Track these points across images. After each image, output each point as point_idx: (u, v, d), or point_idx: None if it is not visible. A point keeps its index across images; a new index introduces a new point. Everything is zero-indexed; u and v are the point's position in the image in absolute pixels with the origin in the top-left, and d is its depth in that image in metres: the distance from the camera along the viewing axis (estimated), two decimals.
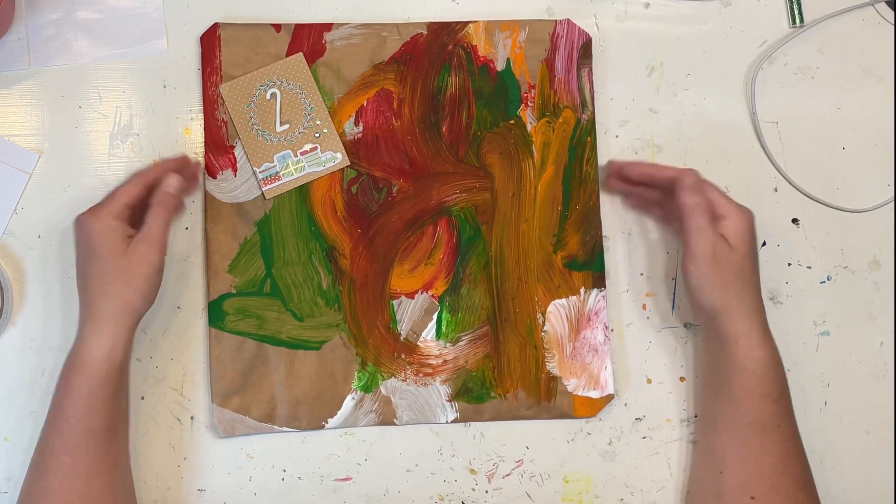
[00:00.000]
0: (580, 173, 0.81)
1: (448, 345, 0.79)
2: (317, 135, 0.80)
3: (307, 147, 0.80)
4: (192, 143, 0.80)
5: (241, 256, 0.79)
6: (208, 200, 0.79)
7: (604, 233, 0.81)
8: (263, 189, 0.79)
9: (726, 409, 0.74)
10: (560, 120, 0.82)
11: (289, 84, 0.80)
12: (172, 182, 0.73)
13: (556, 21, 0.83)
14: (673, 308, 0.82)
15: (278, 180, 0.79)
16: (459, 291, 0.80)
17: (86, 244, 0.72)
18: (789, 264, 0.83)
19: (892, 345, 0.82)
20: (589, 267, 0.81)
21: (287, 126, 0.80)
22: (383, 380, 0.79)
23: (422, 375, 0.79)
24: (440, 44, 0.82)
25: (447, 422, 0.79)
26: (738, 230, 0.73)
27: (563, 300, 0.80)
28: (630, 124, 0.83)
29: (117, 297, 0.70)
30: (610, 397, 0.80)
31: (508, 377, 0.79)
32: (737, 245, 0.73)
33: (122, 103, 0.80)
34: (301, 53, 0.80)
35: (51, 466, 0.69)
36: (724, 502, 0.73)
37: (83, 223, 0.72)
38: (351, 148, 0.80)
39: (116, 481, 0.71)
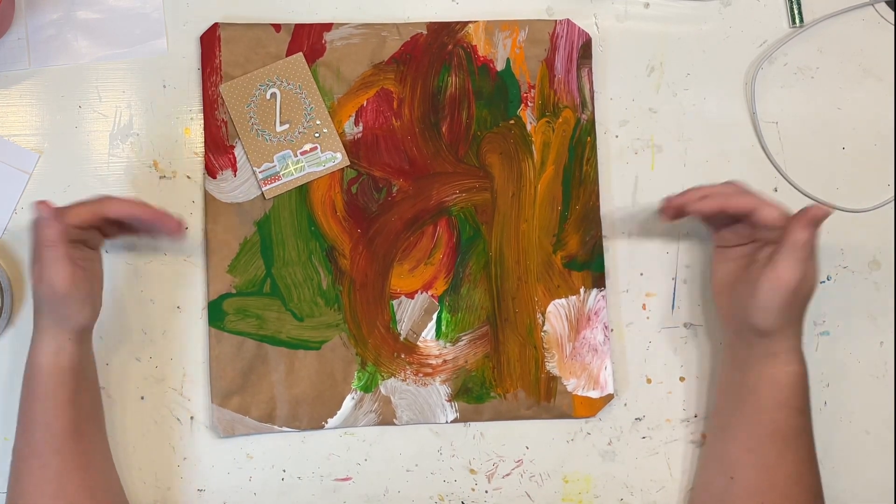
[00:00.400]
0: (580, 173, 0.81)
1: (448, 345, 0.79)
2: (317, 135, 0.80)
3: (307, 147, 0.80)
4: (192, 143, 0.80)
5: (241, 256, 0.79)
6: (208, 200, 0.79)
7: (604, 233, 0.81)
8: (263, 189, 0.79)
9: (746, 418, 0.73)
10: (560, 120, 0.82)
11: (289, 84, 0.80)
12: (42, 210, 0.68)
13: (555, 21, 0.83)
14: (673, 308, 0.82)
15: (278, 180, 0.79)
16: (459, 291, 0.80)
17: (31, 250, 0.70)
18: None
19: (892, 345, 0.82)
20: (589, 267, 0.81)
21: (287, 126, 0.80)
22: (383, 380, 0.79)
23: (421, 375, 0.79)
24: (440, 44, 0.82)
25: (447, 422, 0.79)
26: (814, 260, 0.72)
27: (563, 300, 0.80)
28: (630, 124, 0.83)
29: (51, 312, 0.69)
30: (610, 397, 0.80)
31: (508, 377, 0.79)
32: (812, 276, 0.71)
33: (122, 103, 0.80)
34: (301, 53, 0.80)
35: (22, 470, 0.69)
36: None
37: (34, 229, 0.70)
38: (351, 148, 0.80)
39: (93, 481, 0.70)
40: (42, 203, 0.68)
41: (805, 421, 0.73)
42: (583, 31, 0.83)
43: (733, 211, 0.73)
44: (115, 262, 0.78)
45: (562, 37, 0.82)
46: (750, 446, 0.73)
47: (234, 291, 0.78)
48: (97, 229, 0.72)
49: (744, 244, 0.75)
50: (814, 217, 0.70)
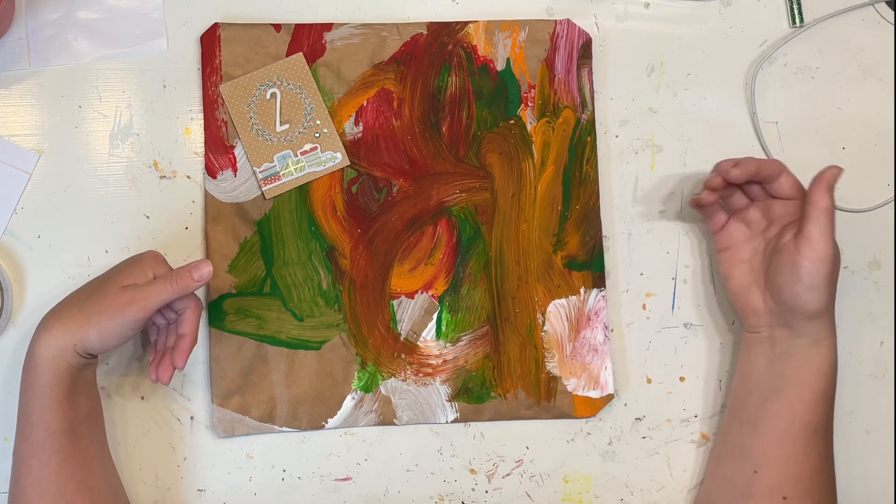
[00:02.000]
0: (580, 173, 0.81)
1: (448, 345, 0.79)
2: (317, 135, 0.80)
3: (307, 147, 0.80)
4: (192, 142, 0.80)
5: (241, 256, 0.79)
6: (208, 200, 0.79)
7: (604, 233, 0.81)
8: (263, 189, 0.79)
9: (780, 410, 0.73)
10: (560, 120, 0.82)
11: (289, 84, 0.80)
12: (204, 272, 0.69)
13: (556, 21, 0.83)
14: (673, 308, 0.82)
15: (278, 180, 0.79)
16: (459, 291, 0.80)
17: (128, 262, 0.72)
18: None
19: (892, 345, 0.82)
20: (589, 267, 0.81)
21: (287, 126, 0.80)
22: (383, 380, 0.79)
23: (422, 375, 0.79)
24: (440, 44, 0.82)
25: (447, 422, 0.79)
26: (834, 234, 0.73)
27: (563, 300, 0.80)
28: (630, 124, 0.83)
29: (98, 315, 0.69)
30: (610, 397, 0.80)
31: (508, 377, 0.79)
32: (836, 246, 0.72)
33: (122, 103, 0.80)
34: (301, 53, 0.80)
35: (22, 471, 0.69)
36: (753, 501, 0.73)
37: (153, 258, 0.72)
38: (351, 148, 0.80)
39: (93, 482, 0.70)
40: (212, 267, 0.70)
41: (832, 412, 0.74)
42: (583, 31, 0.83)
43: (766, 173, 0.73)
44: (115, 261, 0.78)
45: (562, 37, 0.82)
46: (780, 439, 0.72)
47: (234, 291, 0.78)
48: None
49: (751, 240, 0.75)
50: (829, 179, 0.71)
